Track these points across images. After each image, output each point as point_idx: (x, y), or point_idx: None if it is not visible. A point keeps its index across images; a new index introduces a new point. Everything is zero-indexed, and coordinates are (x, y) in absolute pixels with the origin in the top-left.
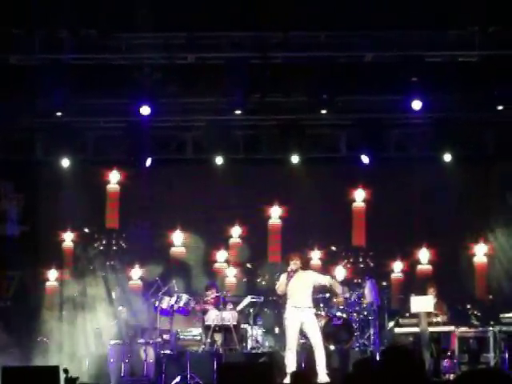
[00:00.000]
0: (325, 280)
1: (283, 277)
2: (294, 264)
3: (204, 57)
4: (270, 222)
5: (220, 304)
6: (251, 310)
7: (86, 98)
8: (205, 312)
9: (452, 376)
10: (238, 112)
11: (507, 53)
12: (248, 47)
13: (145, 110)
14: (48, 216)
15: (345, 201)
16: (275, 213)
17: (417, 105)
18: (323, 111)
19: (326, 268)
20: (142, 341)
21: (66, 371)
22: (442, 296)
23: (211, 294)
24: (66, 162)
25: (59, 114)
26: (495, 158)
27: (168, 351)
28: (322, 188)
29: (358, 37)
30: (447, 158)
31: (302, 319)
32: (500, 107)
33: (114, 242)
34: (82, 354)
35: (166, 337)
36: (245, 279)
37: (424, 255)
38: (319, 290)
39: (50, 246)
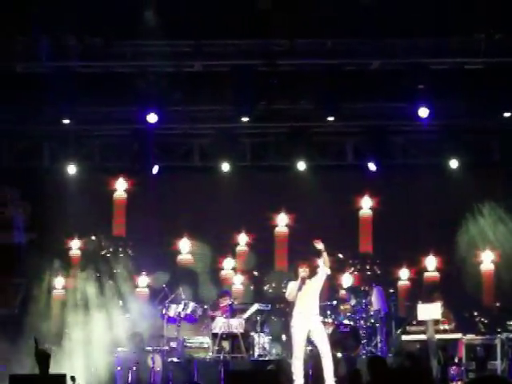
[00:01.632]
0: (325, 272)
1: (292, 284)
2: (304, 271)
3: (211, 64)
4: (277, 229)
5: (232, 312)
6: (258, 318)
7: (93, 105)
8: (213, 319)
9: (459, 383)
10: (244, 119)
11: None
12: (255, 55)
13: (151, 118)
14: (55, 223)
15: (352, 208)
16: (282, 220)
17: (423, 112)
18: (330, 118)
19: (333, 275)
20: (149, 348)
21: (73, 379)
22: (449, 304)
23: (224, 302)
24: (72, 170)
25: (66, 121)
26: (501, 165)
27: (175, 359)
28: (329, 195)
29: (364, 44)
30: (453, 164)
31: (309, 327)
32: (506, 114)
33: (120, 250)
34: (88, 362)
35: (173, 344)
36: (252, 287)
37: (431, 262)
38: (328, 297)
39: (57, 254)
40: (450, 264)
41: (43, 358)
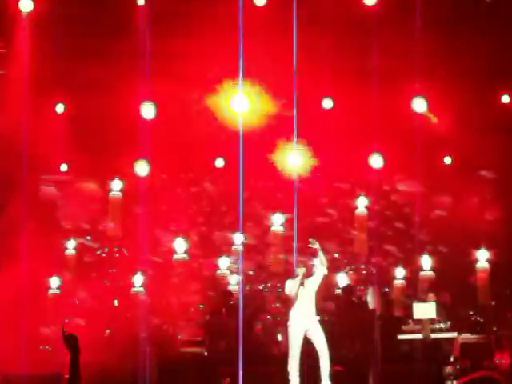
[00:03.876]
0: (322, 272)
1: (290, 281)
2: (302, 270)
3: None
4: (273, 229)
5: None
6: (254, 317)
7: (87, 103)
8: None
9: (455, 382)
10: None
11: None
12: None
13: (145, 116)
14: (50, 224)
15: (347, 208)
16: (278, 220)
17: (419, 109)
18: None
19: (328, 275)
20: (145, 345)
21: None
22: (439, 303)
23: (227, 301)
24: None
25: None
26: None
27: (171, 356)
28: (325, 195)
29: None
30: (448, 161)
31: (306, 326)
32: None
33: (116, 249)
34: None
35: (169, 342)
36: (247, 286)
37: (426, 262)
38: (323, 297)
39: (53, 254)
40: (446, 263)
41: (72, 341)
